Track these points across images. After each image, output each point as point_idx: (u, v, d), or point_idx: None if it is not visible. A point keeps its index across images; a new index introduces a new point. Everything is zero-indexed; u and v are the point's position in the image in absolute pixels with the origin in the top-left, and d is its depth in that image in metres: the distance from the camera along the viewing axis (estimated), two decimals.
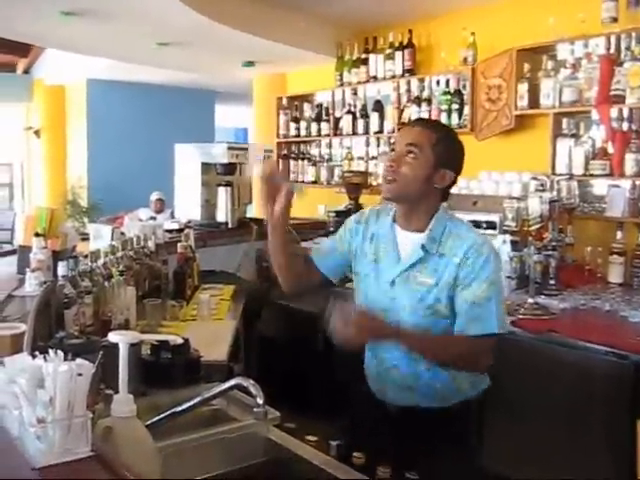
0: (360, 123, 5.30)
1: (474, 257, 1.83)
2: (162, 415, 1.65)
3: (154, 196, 7.47)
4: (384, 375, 1.99)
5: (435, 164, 1.86)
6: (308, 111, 5.89)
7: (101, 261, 2.60)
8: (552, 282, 3.39)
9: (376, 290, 1.96)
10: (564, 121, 3.90)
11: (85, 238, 3.78)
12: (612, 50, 3.70)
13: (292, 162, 5.95)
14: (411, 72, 4.99)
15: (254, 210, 5.72)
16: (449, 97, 4.64)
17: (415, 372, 1.91)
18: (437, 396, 1.92)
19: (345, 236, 2.10)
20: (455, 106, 4.60)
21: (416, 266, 1.88)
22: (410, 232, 1.92)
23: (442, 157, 1.87)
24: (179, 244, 3.52)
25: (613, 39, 3.71)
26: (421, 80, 4.91)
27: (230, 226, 4.51)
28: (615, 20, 3.67)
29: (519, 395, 2.90)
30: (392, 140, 5.15)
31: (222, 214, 4.52)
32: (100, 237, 3.51)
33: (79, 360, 1.29)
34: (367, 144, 5.40)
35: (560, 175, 3.77)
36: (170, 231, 4.08)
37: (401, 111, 4.97)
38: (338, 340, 1.74)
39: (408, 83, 5.00)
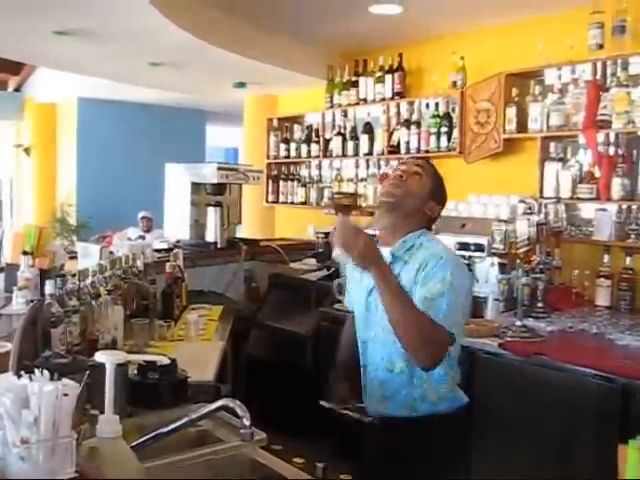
0: (350, 145, 5.32)
1: (433, 262, 1.90)
2: (148, 436, 1.63)
3: (141, 214, 7.48)
4: (369, 384, 2.08)
5: (429, 193, 2.03)
6: (298, 132, 5.92)
7: (89, 280, 2.60)
8: (540, 305, 3.41)
9: (361, 304, 2.08)
10: (551, 145, 3.94)
11: (73, 257, 3.77)
12: (598, 76, 3.76)
13: (282, 183, 5.96)
14: (401, 95, 5.03)
15: (243, 230, 5.73)
16: (438, 120, 4.67)
17: (388, 377, 2.00)
18: (407, 404, 1.98)
19: (346, 272, 2.26)
20: (444, 129, 4.64)
21: None
22: (386, 248, 2.00)
23: (434, 189, 2.05)
24: (168, 264, 3.52)
25: (599, 65, 3.76)
26: (410, 103, 4.94)
27: (219, 246, 4.51)
28: (601, 47, 3.73)
29: (507, 417, 2.90)
30: (382, 162, 5.20)
31: (211, 234, 4.52)
32: (88, 256, 3.51)
33: (65, 380, 1.28)
34: (357, 166, 5.43)
35: (548, 198, 3.80)
36: (159, 250, 4.08)
37: (390, 133, 5.01)
38: (338, 245, 1.80)
39: (398, 106, 5.04)
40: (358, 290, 2.10)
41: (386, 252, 1.98)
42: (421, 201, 2.01)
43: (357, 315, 2.14)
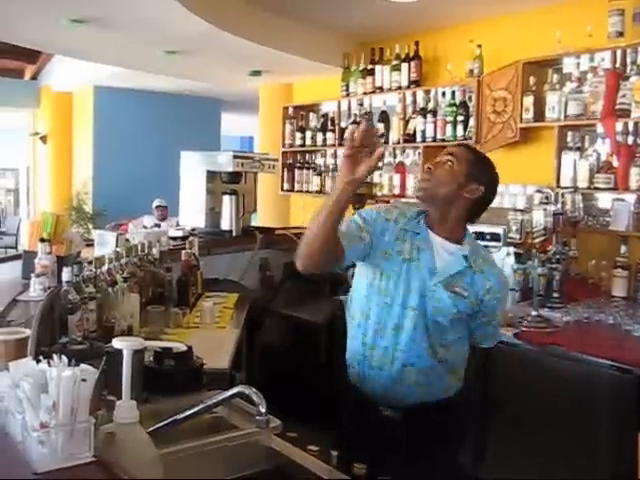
0: None
1: (500, 291, 2.11)
2: (164, 422, 1.65)
3: (155, 203, 7.49)
4: (396, 376, 2.06)
5: (468, 176, 2.03)
6: (314, 121, 5.91)
7: (105, 267, 2.61)
8: (556, 295, 3.39)
9: (405, 288, 2.04)
10: (569, 134, 3.91)
11: (90, 244, 3.79)
12: (618, 64, 3.71)
13: (297, 171, 5.96)
14: (417, 83, 5.00)
15: (259, 219, 5.74)
16: (455, 109, 4.65)
17: (431, 365, 2.06)
18: (445, 387, 2.11)
19: (373, 229, 2.07)
20: (460, 118, 4.61)
21: (456, 276, 2.03)
22: (442, 239, 2.07)
23: (475, 173, 2.05)
24: (183, 252, 3.53)
25: (619, 53, 3.72)
26: (427, 91, 4.92)
27: (234, 234, 4.51)
28: (621, 34, 3.68)
29: (522, 407, 2.90)
30: (397, 151, 5.18)
31: (227, 222, 4.52)
32: (105, 243, 3.52)
33: (83, 365, 1.29)
34: None
35: (565, 188, 3.77)
36: (175, 238, 4.09)
37: (406, 122, 4.99)
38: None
39: (414, 94, 5.01)
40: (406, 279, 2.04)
41: (447, 247, 2.06)
42: (455, 187, 2.03)
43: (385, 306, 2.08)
